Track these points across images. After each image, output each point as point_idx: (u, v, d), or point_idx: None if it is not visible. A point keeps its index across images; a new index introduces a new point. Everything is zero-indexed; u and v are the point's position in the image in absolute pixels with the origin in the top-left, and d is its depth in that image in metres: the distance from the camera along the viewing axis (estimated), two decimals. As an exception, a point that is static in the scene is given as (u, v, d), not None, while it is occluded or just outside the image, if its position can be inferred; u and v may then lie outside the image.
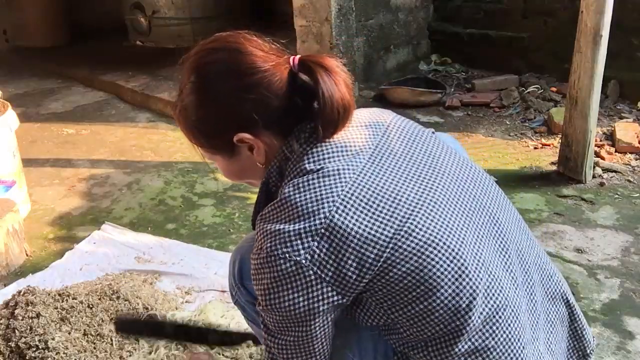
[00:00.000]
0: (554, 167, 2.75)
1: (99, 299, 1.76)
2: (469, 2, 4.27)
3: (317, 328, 0.91)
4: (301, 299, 0.87)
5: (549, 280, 1.07)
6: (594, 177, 2.62)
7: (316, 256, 0.85)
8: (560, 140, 2.71)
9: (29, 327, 1.62)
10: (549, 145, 3.03)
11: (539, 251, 1.09)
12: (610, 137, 2.99)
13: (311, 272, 0.85)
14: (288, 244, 0.85)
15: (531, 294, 1.01)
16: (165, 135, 3.56)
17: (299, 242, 0.85)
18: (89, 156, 3.29)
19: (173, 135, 3.53)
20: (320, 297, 0.87)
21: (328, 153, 0.93)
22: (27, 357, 1.56)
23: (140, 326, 1.66)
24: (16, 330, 1.61)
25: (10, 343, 1.60)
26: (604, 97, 3.31)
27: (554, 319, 1.06)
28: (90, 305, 1.72)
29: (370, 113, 1.06)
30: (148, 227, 2.45)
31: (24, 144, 3.27)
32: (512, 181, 2.65)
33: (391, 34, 4.07)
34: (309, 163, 0.92)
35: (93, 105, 4.25)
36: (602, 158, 2.77)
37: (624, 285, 1.90)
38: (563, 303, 1.08)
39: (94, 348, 1.62)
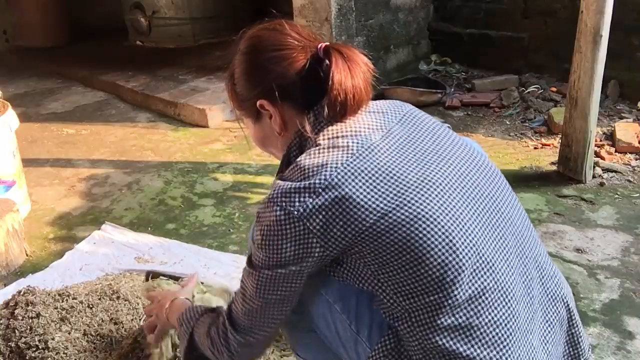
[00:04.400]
0: (554, 167, 2.75)
1: (99, 299, 1.76)
2: (469, 2, 4.27)
3: (293, 278, 0.99)
4: (289, 245, 0.95)
5: (550, 280, 1.08)
6: (594, 177, 2.62)
7: (308, 210, 0.94)
8: (560, 140, 2.71)
9: (29, 327, 1.62)
10: (549, 145, 3.03)
11: (541, 251, 1.10)
12: (610, 137, 2.99)
13: (300, 223, 0.94)
14: (287, 196, 0.95)
15: (528, 287, 1.02)
16: (165, 135, 3.56)
17: (296, 195, 0.94)
18: (89, 156, 3.29)
19: (173, 135, 3.54)
20: (306, 247, 0.96)
21: (342, 131, 1.02)
22: (27, 357, 1.56)
23: None
24: (16, 330, 1.61)
25: (10, 343, 1.60)
26: (604, 97, 3.32)
27: (552, 319, 1.06)
28: (90, 305, 1.72)
29: (389, 103, 1.13)
30: (148, 227, 2.45)
31: (24, 144, 3.27)
32: (512, 181, 2.59)
33: (391, 34, 4.07)
34: (323, 139, 1.02)
35: (93, 105, 4.25)
36: (602, 158, 2.78)
37: (624, 285, 1.91)
38: (563, 306, 1.08)
39: (94, 348, 1.62)
